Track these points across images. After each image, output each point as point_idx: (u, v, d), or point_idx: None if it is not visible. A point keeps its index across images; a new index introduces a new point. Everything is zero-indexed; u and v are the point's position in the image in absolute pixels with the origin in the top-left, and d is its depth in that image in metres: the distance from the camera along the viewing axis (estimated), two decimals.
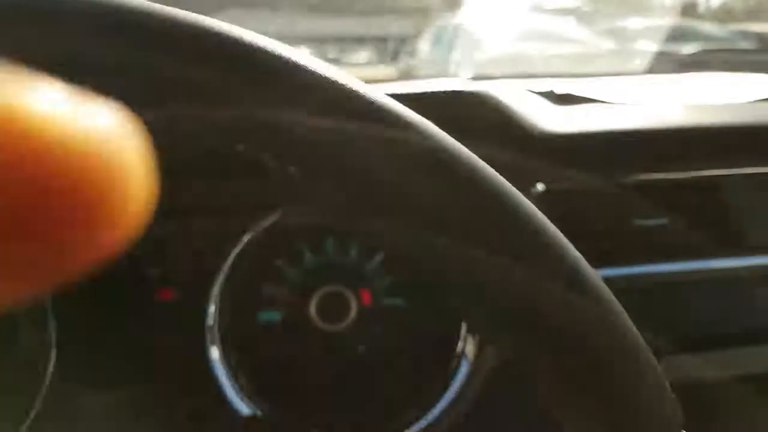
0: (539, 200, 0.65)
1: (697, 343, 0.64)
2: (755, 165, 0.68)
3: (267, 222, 0.65)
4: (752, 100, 0.72)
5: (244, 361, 0.64)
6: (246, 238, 0.65)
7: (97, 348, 0.62)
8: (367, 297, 0.75)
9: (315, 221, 0.64)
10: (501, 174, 0.33)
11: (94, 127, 0.12)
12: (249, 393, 0.63)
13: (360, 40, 1.76)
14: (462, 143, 0.31)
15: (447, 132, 0.30)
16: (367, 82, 0.28)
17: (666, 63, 1.12)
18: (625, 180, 0.66)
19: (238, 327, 0.66)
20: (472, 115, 0.61)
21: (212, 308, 0.64)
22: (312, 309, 0.72)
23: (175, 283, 0.68)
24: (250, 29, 0.28)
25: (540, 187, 0.65)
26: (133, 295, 0.69)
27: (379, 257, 0.74)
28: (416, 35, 1.75)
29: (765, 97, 0.73)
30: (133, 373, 0.61)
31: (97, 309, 0.62)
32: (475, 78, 0.83)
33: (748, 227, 0.68)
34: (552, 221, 0.68)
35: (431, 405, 0.65)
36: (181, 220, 0.63)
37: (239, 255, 0.65)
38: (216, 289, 0.64)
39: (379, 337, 0.73)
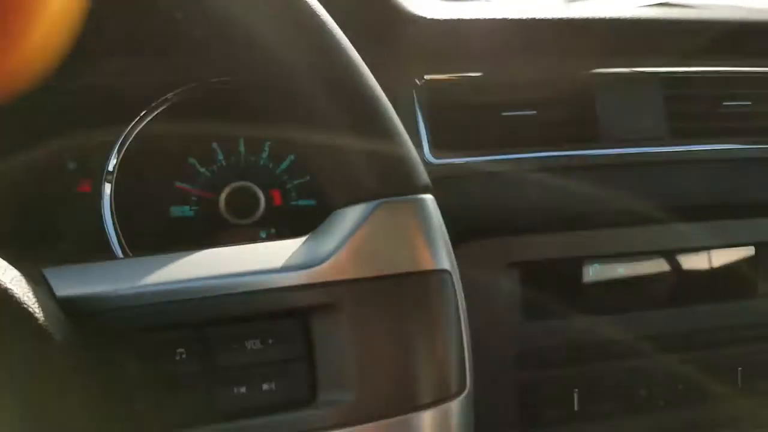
0: (420, 90, 0.70)
1: (554, 224, 0.70)
2: (621, 65, 0.72)
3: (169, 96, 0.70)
4: (642, 4, 0.75)
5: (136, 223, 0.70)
6: (145, 113, 0.70)
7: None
8: (277, 197, 0.80)
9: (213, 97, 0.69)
10: (380, 60, 0.39)
11: None
12: (131, 245, 0.68)
13: None
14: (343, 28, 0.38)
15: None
16: None
17: None
18: (496, 72, 0.70)
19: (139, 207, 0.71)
20: None
21: (112, 161, 0.69)
22: (221, 203, 0.77)
23: (91, 176, 0.74)
24: None
25: (420, 79, 0.70)
26: (55, 187, 0.74)
27: (290, 159, 0.79)
28: None
29: (652, 3, 0.76)
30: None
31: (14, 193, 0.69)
32: None
33: (607, 121, 0.72)
34: (431, 111, 0.73)
35: None
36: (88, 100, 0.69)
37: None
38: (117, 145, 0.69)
39: (286, 230, 0.78)
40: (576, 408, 0.70)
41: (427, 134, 0.69)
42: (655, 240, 0.72)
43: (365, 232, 0.36)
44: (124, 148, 0.70)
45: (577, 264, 0.71)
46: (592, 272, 0.72)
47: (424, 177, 0.39)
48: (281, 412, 0.33)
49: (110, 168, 0.69)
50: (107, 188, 0.69)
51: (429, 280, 0.36)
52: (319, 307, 0.35)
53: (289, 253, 0.36)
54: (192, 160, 0.79)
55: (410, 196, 0.38)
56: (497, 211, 0.68)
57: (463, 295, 0.39)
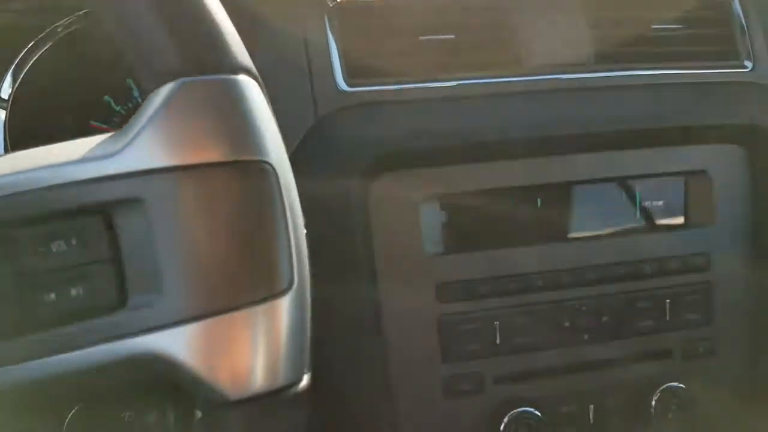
0: (332, 13, 0.67)
1: (476, 154, 0.68)
2: None
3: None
4: None
5: None
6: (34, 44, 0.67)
7: None
8: None
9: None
10: None
11: None
12: None
13: None
14: None
15: None
16: None
17: None
18: None
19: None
20: None
21: (6, 90, 0.66)
22: None
23: None
24: None
25: (332, 1, 0.66)
26: None
27: None
28: None
29: None
30: None
31: None
32: None
33: (529, 46, 0.69)
34: (344, 36, 0.70)
35: None
36: None
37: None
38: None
39: None
40: (498, 341, 0.69)
41: (340, 60, 0.65)
42: (578, 170, 0.70)
43: (166, 116, 0.33)
44: (19, 79, 0.66)
45: (498, 195, 0.69)
46: (514, 203, 0.70)
47: (241, 58, 0.36)
48: (91, 319, 0.31)
49: (4, 96, 0.66)
50: (1, 114, 0.66)
51: (243, 170, 0.33)
52: (121, 201, 0.32)
53: (92, 146, 0.33)
54: (107, 98, 0.76)
55: (219, 76, 0.34)
56: (416, 140, 0.66)
57: (293, 188, 0.36)
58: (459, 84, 0.67)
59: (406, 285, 0.68)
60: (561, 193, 0.71)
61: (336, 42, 0.66)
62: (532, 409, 0.69)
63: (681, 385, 0.73)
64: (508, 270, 0.69)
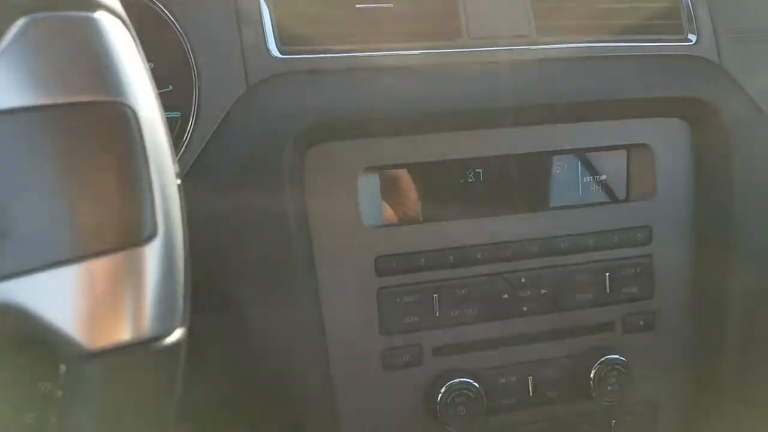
0: None
1: (413, 126, 0.67)
2: None
3: None
4: None
5: None
6: None
7: None
8: None
9: None
10: None
11: None
12: None
13: None
14: None
15: None
16: None
17: None
18: None
19: None
20: None
21: None
22: None
23: None
24: None
25: None
26: None
27: None
28: None
29: None
30: None
31: None
32: None
33: (469, 17, 0.68)
34: (278, 3, 0.68)
35: None
36: None
37: None
38: None
39: None
40: (437, 313, 0.69)
41: (272, 25, 0.64)
42: (520, 142, 0.70)
43: (13, 55, 0.31)
44: None
45: (438, 167, 0.68)
46: (454, 176, 0.69)
47: None
48: None
49: None
50: None
51: (96, 112, 0.32)
52: None
53: None
54: None
55: (73, 12, 0.33)
56: (350, 110, 0.65)
57: (159, 132, 0.34)
58: (396, 54, 0.66)
59: (343, 258, 0.67)
60: (502, 166, 0.70)
61: (269, 8, 0.64)
62: (470, 381, 0.69)
63: (621, 357, 0.74)
64: (448, 243, 0.69)
